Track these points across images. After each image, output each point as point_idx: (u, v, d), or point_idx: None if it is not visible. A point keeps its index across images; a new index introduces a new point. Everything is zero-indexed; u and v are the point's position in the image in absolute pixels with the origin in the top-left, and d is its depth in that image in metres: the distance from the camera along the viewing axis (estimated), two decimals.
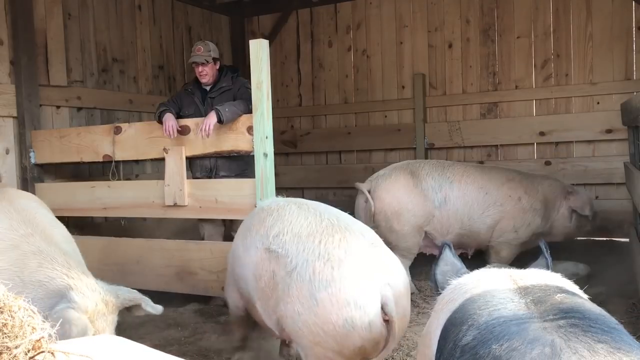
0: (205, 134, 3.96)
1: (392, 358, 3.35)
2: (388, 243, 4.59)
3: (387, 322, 2.32)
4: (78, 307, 2.31)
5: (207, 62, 4.49)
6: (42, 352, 1.31)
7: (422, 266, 5.17)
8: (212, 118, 3.96)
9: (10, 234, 2.60)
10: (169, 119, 4.16)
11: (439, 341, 1.55)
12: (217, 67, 4.63)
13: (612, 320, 1.37)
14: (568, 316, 1.34)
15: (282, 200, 3.00)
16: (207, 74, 4.53)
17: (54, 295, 2.33)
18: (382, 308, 2.32)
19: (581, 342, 1.23)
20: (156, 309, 2.62)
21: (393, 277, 2.40)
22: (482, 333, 1.37)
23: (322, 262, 2.41)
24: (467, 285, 1.65)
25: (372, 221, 4.58)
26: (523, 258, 4.49)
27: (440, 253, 1.90)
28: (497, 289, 1.57)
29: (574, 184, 5.11)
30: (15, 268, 2.41)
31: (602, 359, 1.18)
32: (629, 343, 1.26)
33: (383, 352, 2.36)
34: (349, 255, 2.41)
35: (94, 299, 2.43)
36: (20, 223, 2.72)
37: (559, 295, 1.47)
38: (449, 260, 1.90)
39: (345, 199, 6.09)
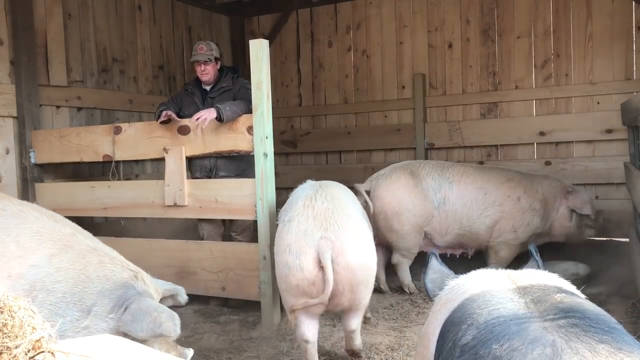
0: (198, 122, 3.98)
1: (392, 358, 3.35)
2: (388, 243, 4.64)
3: (323, 268, 2.84)
4: (148, 295, 2.53)
5: (210, 60, 4.51)
6: (42, 352, 1.31)
7: (422, 266, 5.17)
8: (212, 113, 3.98)
9: (55, 234, 2.68)
10: (166, 111, 4.22)
11: (437, 341, 1.55)
12: (218, 66, 4.64)
13: (612, 320, 1.37)
14: (568, 316, 1.34)
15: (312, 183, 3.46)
16: (208, 72, 4.54)
17: (120, 286, 2.50)
18: (319, 257, 2.85)
19: (582, 343, 1.22)
20: (185, 300, 2.87)
21: (336, 233, 2.90)
22: (482, 332, 1.37)
23: (282, 222, 3.13)
24: (465, 286, 1.66)
25: (372, 222, 4.57)
26: (522, 259, 4.49)
27: (427, 262, 1.95)
28: (496, 288, 1.57)
29: (574, 184, 5.11)
30: (79, 266, 2.54)
31: None
32: (630, 343, 1.25)
33: (322, 296, 2.85)
34: (298, 215, 3.03)
35: (152, 288, 2.63)
36: (54, 222, 2.78)
37: (558, 295, 1.47)
38: (436, 268, 1.94)
39: None
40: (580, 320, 1.31)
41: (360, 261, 2.94)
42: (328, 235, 2.90)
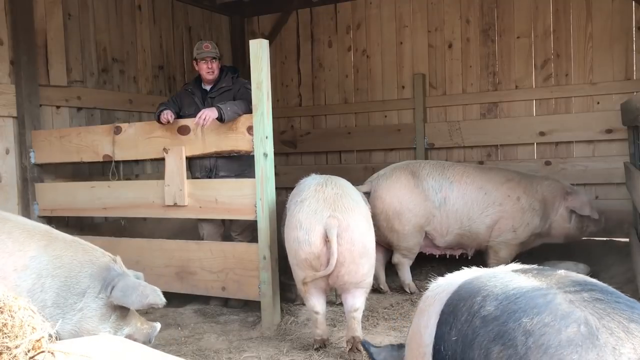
0: (202, 123, 3.98)
1: None
2: (389, 243, 4.64)
3: (328, 243, 3.19)
4: (127, 275, 2.93)
5: (216, 58, 4.55)
6: (42, 352, 1.31)
7: (421, 266, 5.18)
8: (213, 112, 3.99)
9: (38, 229, 2.96)
10: (166, 112, 4.22)
11: (437, 328, 1.54)
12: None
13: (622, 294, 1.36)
14: (587, 289, 1.31)
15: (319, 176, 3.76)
16: (214, 70, 4.55)
17: (104, 269, 2.87)
18: (326, 232, 3.20)
19: (614, 321, 1.20)
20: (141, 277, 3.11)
21: (343, 213, 3.27)
22: (504, 303, 1.34)
23: (295, 203, 3.47)
24: (450, 279, 1.65)
25: None
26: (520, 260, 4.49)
27: (369, 354, 2.00)
28: (492, 271, 1.56)
29: (573, 184, 5.11)
30: (70, 253, 2.86)
31: (638, 341, 1.15)
32: None
33: (327, 268, 3.20)
34: (309, 198, 3.40)
35: (126, 270, 2.99)
36: (29, 220, 3.08)
37: (559, 270, 1.47)
38: (377, 350, 1.99)
39: None
40: (603, 295, 1.29)
41: (362, 237, 3.31)
42: (336, 214, 3.26)
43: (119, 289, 2.77)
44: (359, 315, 3.37)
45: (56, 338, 2.69)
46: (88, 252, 2.93)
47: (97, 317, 2.78)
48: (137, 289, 2.78)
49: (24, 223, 2.97)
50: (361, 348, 3.31)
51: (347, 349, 3.33)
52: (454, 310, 1.48)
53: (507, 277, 1.45)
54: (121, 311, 2.86)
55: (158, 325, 3.03)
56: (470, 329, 1.38)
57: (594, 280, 1.41)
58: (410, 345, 1.74)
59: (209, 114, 3.99)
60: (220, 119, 3.99)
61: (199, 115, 4.03)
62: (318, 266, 3.26)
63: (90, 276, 2.81)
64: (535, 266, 1.57)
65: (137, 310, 2.98)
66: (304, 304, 3.95)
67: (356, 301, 3.37)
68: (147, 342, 2.92)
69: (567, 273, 1.44)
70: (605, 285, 1.40)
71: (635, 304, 1.29)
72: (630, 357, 1.13)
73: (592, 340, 1.16)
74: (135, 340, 2.84)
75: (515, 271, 1.51)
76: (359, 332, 3.34)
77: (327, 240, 3.21)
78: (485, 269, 1.63)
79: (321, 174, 3.81)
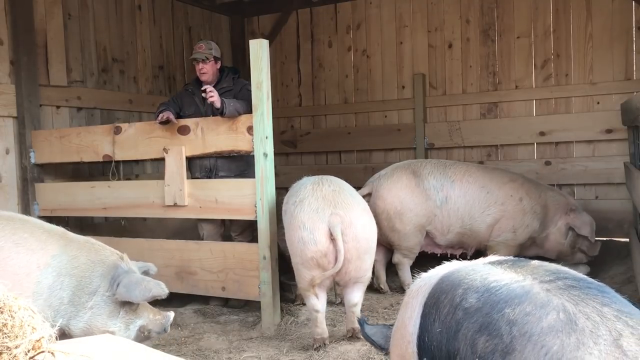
0: (208, 91, 4.08)
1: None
2: (390, 242, 4.64)
3: (334, 240, 3.26)
4: (133, 271, 3.06)
5: (208, 59, 4.50)
6: (42, 352, 1.31)
7: (422, 265, 5.17)
8: (219, 100, 4.07)
9: (55, 231, 3.08)
10: (165, 112, 4.25)
11: (421, 319, 1.58)
12: (218, 66, 4.62)
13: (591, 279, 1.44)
14: (560, 277, 1.39)
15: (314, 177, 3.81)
16: (206, 72, 4.53)
17: (113, 268, 2.99)
18: (330, 230, 3.27)
19: (588, 306, 1.27)
20: (155, 271, 3.26)
21: (344, 210, 3.34)
22: (486, 295, 1.40)
23: (294, 204, 3.52)
24: (433, 272, 1.69)
25: None
26: None
27: (362, 327, 2.04)
28: (470, 264, 1.62)
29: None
30: (85, 253, 3.00)
31: (612, 325, 1.23)
32: (626, 304, 1.32)
33: (336, 265, 3.26)
34: (308, 197, 3.45)
35: (132, 266, 3.11)
36: (46, 223, 3.16)
37: (533, 261, 1.53)
38: (369, 327, 2.04)
39: None
40: (575, 282, 1.37)
41: (366, 233, 3.39)
42: (337, 211, 3.32)
43: (123, 285, 2.89)
44: (357, 308, 3.54)
45: (68, 335, 2.80)
46: (99, 252, 3.06)
47: (105, 314, 2.91)
48: (141, 284, 2.90)
49: (41, 224, 3.10)
50: (360, 337, 3.38)
51: (348, 336, 3.55)
52: (437, 303, 1.54)
53: (485, 270, 1.52)
54: (130, 306, 2.96)
55: (172, 314, 3.11)
56: (453, 321, 1.45)
57: (565, 268, 1.49)
58: (395, 336, 1.78)
59: (216, 97, 4.07)
60: (221, 112, 4.00)
61: (207, 88, 4.11)
62: (325, 264, 3.33)
63: (101, 275, 2.94)
64: (510, 258, 1.63)
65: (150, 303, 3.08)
66: (304, 304, 3.97)
67: (356, 295, 3.53)
68: (162, 331, 3.07)
69: (540, 263, 1.52)
70: (574, 272, 1.47)
71: (605, 288, 1.37)
72: (606, 339, 1.20)
73: (571, 326, 1.24)
74: (149, 330, 3.00)
75: (492, 263, 1.58)
76: (357, 324, 3.45)
77: (332, 238, 3.28)
78: (464, 262, 1.68)
79: (320, 174, 3.82)
